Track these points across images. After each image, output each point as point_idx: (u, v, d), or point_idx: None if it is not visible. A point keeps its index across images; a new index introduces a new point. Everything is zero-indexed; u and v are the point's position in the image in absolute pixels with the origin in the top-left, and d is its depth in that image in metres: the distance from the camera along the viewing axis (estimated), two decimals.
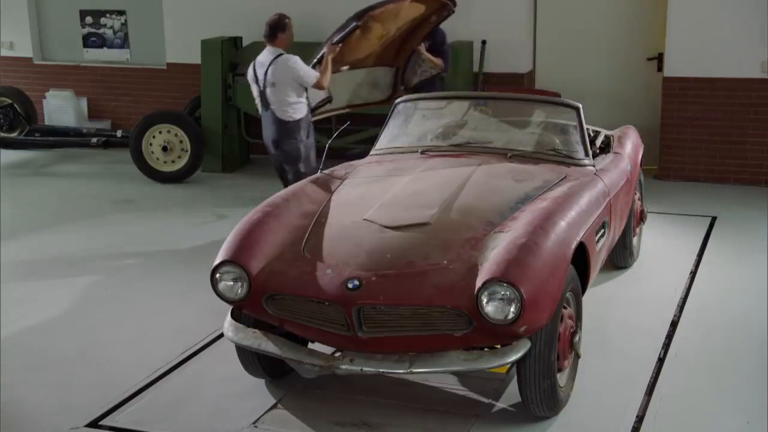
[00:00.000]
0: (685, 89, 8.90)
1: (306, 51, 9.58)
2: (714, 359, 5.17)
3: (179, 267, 6.81)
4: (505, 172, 5.27)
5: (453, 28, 9.32)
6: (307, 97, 7.09)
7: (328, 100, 7.52)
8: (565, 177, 5.24)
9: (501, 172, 5.29)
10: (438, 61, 8.12)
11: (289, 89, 6.94)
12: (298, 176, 6.87)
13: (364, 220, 4.70)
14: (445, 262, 4.28)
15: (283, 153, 7.03)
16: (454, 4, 7.74)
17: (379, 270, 4.26)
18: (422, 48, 8.05)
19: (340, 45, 7.20)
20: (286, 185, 6.97)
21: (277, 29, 7.02)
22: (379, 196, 4.97)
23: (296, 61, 6.95)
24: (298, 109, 7.00)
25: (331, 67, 7.13)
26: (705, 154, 8.99)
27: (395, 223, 4.62)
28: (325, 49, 7.21)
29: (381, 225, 4.62)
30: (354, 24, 7.17)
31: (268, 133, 7.08)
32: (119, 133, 10.03)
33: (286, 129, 6.99)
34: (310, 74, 6.96)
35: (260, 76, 7.01)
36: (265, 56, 7.06)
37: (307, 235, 4.66)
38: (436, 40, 8.19)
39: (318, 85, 7.02)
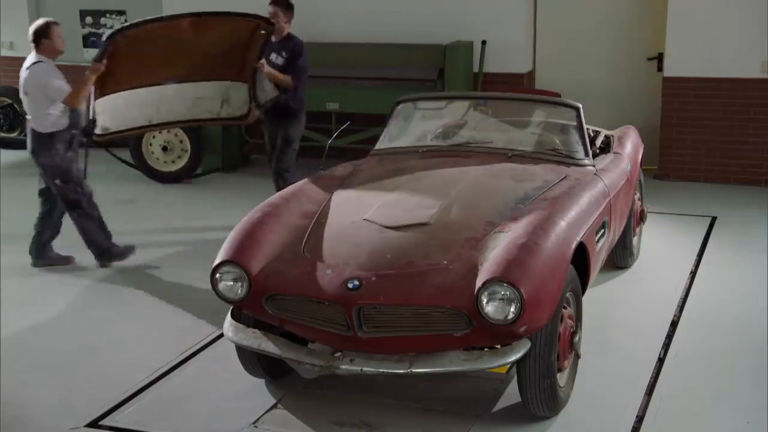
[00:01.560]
0: (685, 89, 8.91)
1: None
2: (714, 359, 5.17)
3: (179, 267, 6.81)
4: (504, 172, 5.27)
5: (453, 28, 9.35)
6: (73, 110, 6.54)
7: (93, 122, 6.80)
8: (565, 177, 5.23)
9: (501, 172, 5.29)
10: (284, 78, 7.26)
11: (43, 100, 6.48)
12: (59, 191, 6.60)
13: (364, 220, 4.69)
14: (445, 262, 4.28)
15: (41, 166, 6.61)
16: (269, 23, 7.02)
17: (379, 270, 4.26)
18: (263, 65, 7.11)
19: (104, 63, 6.48)
20: (43, 200, 6.72)
21: (41, 35, 6.57)
22: (379, 197, 4.97)
23: (50, 72, 6.45)
24: (54, 122, 6.50)
25: (89, 85, 6.49)
26: (705, 154, 9.00)
27: (395, 223, 4.62)
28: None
29: (381, 225, 4.62)
30: (106, 43, 6.61)
31: (27, 142, 6.67)
32: None
33: (43, 141, 6.54)
34: (59, 90, 6.41)
35: (21, 83, 6.60)
36: (26, 62, 6.61)
37: (307, 235, 4.66)
38: (294, 54, 7.35)
39: (68, 102, 6.44)
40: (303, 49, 7.40)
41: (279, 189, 6.97)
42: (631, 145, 6.47)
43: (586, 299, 4.96)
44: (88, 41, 11.19)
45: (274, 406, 4.67)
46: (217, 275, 4.48)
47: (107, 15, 11.11)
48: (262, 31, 6.99)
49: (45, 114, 6.49)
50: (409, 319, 4.19)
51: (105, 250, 6.80)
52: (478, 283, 4.08)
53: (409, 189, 5.07)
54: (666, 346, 5.34)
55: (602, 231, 5.19)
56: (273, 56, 7.34)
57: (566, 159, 5.55)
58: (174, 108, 7.11)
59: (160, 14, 10.56)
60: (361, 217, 4.73)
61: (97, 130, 6.75)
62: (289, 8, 7.39)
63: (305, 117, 7.60)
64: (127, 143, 9.53)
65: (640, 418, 4.52)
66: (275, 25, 7.15)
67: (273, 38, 7.23)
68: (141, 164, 9.44)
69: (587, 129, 5.83)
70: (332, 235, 4.63)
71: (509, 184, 5.08)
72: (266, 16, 7.15)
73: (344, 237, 4.59)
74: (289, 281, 4.37)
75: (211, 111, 7.24)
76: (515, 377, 4.47)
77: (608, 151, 6.22)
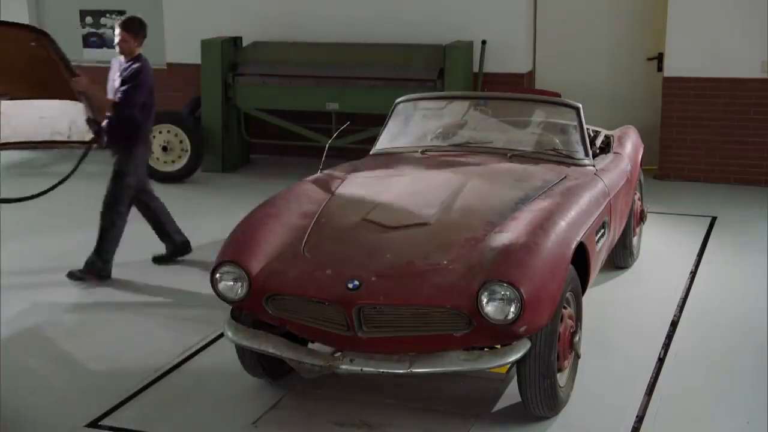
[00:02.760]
0: (685, 89, 8.90)
1: (302, 52, 9.61)
2: (714, 359, 5.17)
3: (179, 267, 6.81)
4: (505, 172, 5.27)
5: (453, 28, 9.35)
6: None
7: None
8: (565, 177, 5.23)
9: (501, 172, 5.29)
10: (102, 97, 6.46)
11: None
12: None
13: (364, 220, 4.69)
14: (445, 262, 4.28)
15: None
16: (44, 34, 6.22)
17: (379, 270, 4.26)
18: (78, 82, 6.16)
19: None
20: None
21: None
22: (378, 196, 4.97)
23: None
24: None
25: None
26: (705, 154, 8.99)
27: (395, 223, 4.62)
28: None
29: (381, 225, 4.62)
30: None
31: None
32: None
33: None
34: None
35: None
36: None
37: (307, 235, 4.66)
38: (130, 75, 6.49)
39: None
40: (140, 71, 6.50)
41: (104, 223, 6.64)
42: (631, 145, 6.47)
43: (586, 299, 4.96)
44: (88, 41, 11.19)
45: (274, 406, 4.67)
46: (217, 275, 4.47)
47: (107, 15, 11.11)
48: (32, 43, 6.19)
49: None
50: (409, 319, 4.19)
51: None
52: (478, 283, 4.08)
53: (409, 189, 5.07)
54: (666, 346, 5.34)
55: (602, 231, 5.19)
56: (116, 77, 6.63)
57: (566, 159, 5.55)
58: (21, 127, 6.48)
59: (160, 14, 10.61)
60: (361, 216, 4.73)
61: None
62: (139, 32, 6.59)
63: (144, 151, 6.78)
64: None
65: (640, 418, 4.52)
66: (121, 47, 6.56)
67: (122, 59, 6.63)
68: None
69: (587, 129, 5.82)
70: (332, 235, 4.63)
71: (509, 184, 5.08)
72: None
73: (344, 237, 4.59)
74: (289, 281, 4.37)
75: (61, 133, 6.61)
76: (515, 377, 4.47)
77: (608, 151, 6.22)
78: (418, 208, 4.78)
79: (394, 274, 4.24)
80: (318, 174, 5.49)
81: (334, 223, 4.75)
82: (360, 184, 5.26)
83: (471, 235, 4.46)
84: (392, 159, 5.70)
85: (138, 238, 7.49)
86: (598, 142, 6.37)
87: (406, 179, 5.23)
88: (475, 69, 9.34)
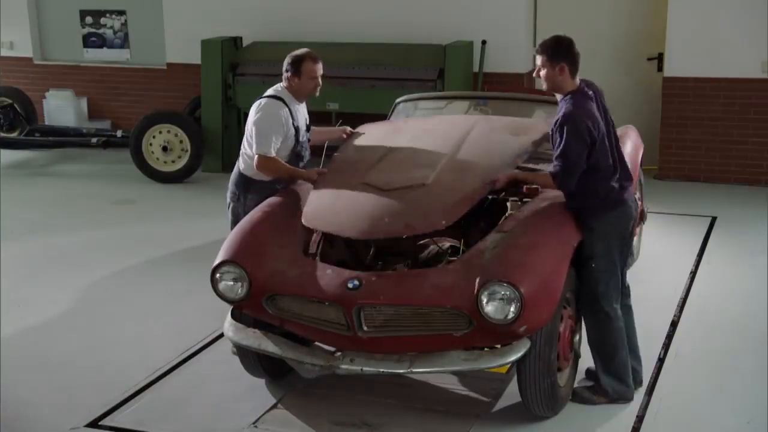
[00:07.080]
0: (685, 89, 8.90)
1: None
2: (714, 359, 5.17)
3: (179, 267, 6.81)
4: (503, 127, 5.25)
5: (453, 28, 9.35)
6: None
7: None
8: None
9: (498, 126, 5.27)
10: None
11: None
12: None
13: (364, 184, 4.73)
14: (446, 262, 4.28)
15: None
16: None
17: (379, 270, 4.26)
18: None
19: None
20: None
21: None
22: (375, 160, 5.00)
23: None
24: None
25: None
26: (705, 154, 8.99)
27: (392, 185, 4.66)
28: None
29: (379, 188, 4.65)
30: None
31: None
32: (119, 133, 10.03)
33: None
34: None
35: None
36: None
37: (307, 235, 4.66)
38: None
39: None
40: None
41: None
42: (631, 145, 6.46)
43: None
44: (88, 41, 11.19)
45: (274, 406, 4.67)
46: (217, 275, 4.47)
47: (107, 15, 11.11)
48: None
49: None
50: (409, 319, 4.19)
51: None
52: (478, 283, 4.08)
53: (405, 152, 5.08)
54: (666, 346, 5.33)
55: None
56: None
57: None
58: None
59: (160, 14, 10.61)
60: (360, 181, 4.77)
61: None
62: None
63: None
64: (127, 143, 9.54)
65: (640, 418, 4.52)
66: None
67: None
68: (141, 164, 9.45)
69: None
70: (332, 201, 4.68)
71: (507, 138, 5.05)
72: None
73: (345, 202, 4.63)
74: (289, 281, 4.37)
75: None
76: (515, 377, 4.46)
77: None
78: (412, 170, 4.80)
79: (395, 274, 4.24)
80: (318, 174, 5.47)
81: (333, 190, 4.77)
82: (357, 153, 5.26)
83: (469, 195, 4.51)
84: (382, 130, 5.67)
85: (137, 237, 7.50)
86: None
87: (402, 140, 5.24)
88: (475, 69, 9.33)
